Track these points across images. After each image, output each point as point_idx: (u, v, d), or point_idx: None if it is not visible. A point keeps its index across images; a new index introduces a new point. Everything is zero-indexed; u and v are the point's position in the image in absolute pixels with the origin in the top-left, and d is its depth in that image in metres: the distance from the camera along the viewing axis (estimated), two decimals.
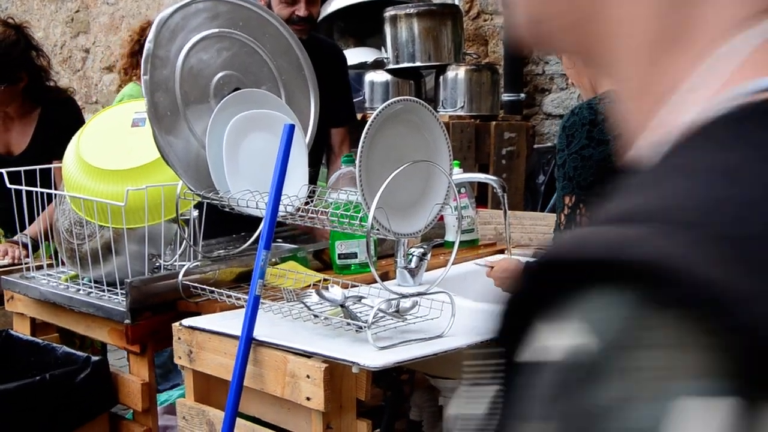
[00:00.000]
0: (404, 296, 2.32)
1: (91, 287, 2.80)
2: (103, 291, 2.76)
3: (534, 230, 3.57)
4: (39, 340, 2.91)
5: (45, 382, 2.52)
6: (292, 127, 2.33)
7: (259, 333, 2.31)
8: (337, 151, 3.67)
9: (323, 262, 3.09)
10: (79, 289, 2.84)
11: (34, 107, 3.85)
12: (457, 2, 5.40)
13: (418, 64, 4.46)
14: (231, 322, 2.46)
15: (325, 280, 2.73)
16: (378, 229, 2.22)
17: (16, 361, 2.85)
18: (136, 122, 2.81)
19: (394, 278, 2.97)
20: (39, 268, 3.04)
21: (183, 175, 2.51)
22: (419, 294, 2.35)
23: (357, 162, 2.19)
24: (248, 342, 2.28)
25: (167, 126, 2.49)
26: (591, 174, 2.34)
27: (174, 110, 2.51)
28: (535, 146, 4.98)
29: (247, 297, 2.52)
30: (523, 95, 5.34)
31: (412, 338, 2.30)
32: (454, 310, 2.37)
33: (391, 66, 4.49)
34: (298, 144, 2.64)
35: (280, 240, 3.33)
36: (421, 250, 2.91)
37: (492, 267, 2.78)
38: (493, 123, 4.41)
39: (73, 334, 3.15)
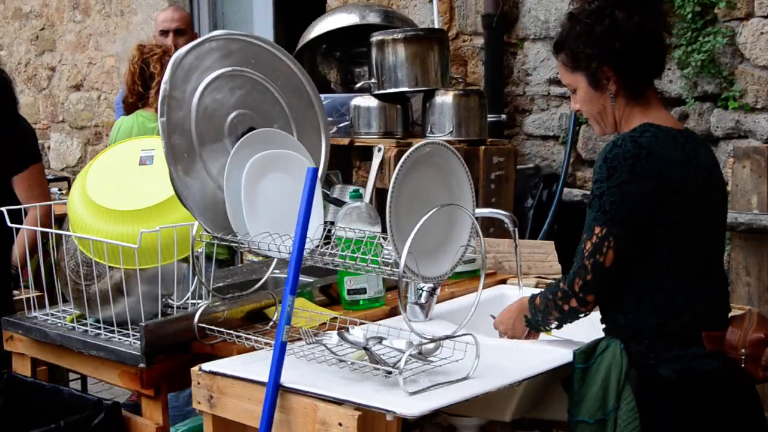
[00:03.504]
0: (433, 340, 2.30)
1: (99, 328, 2.75)
2: (113, 332, 2.72)
3: (532, 258, 3.57)
4: (44, 383, 2.86)
5: (60, 429, 2.47)
6: (315, 171, 2.31)
7: (283, 378, 2.28)
8: None
9: (330, 297, 3.07)
10: (86, 330, 2.78)
11: None
12: (436, 24, 5.41)
13: (405, 89, 4.45)
14: (253, 365, 2.43)
15: (333, 318, 2.71)
16: (408, 275, 2.21)
17: (21, 404, 2.79)
18: (143, 160, 2.77)
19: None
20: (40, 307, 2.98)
21: (200, 217, 2.48)
22: (447, 337, 2.33)
23: (387, 207, 2.17)
24: (276, 389, 2.25)
25: (185, 167, 2.45)
26: (627, 210, 2.33)
27: (190, 151, 2.47)
28: (518, 167, 4.98)
29: (264, 339, 2.51)
30: (504, 116, 5.34)
31: (440, 381, 2.29)
32: (478, 351, 2.36)
33: (377, 91, 4.47)
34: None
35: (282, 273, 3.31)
36: (431, 285, 2.90)
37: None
38: (482, 147, 4.41)
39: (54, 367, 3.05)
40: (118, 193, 2.70)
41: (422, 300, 2.90)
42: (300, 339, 2.53)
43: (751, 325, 2.46)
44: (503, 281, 3.38)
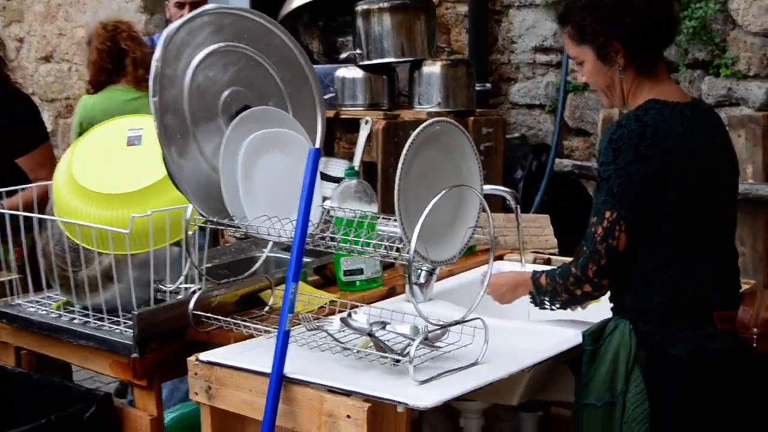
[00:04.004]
0: (443, 326, 2.21)
1: (87, 315, 2.65)
2: (102, 320, 2.61)
3: (527, 232, 3.49)
4: (31, 373, 2.74)
5: (52, 423, 2.37)
6: (317, 152, 2.21)
7: (286, 368, 2.19)
8: None
9: (325, 277, 2.98)
10: (73, 318, 2.68)
11: None
12: None
13: (391, 59, 4.33)
14: (252, 354, 2.34)
15: (332, 301, 2.62)
16: (417, 259, 2.12)
17: (10, 397, 2.68)
18: (132, 140, 2.65)
19: (402, 293, 2.88)
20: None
21: (195, 200, 2.37)
22: (457, 323, 2.25)
23: (396, 189, 2.08)
24: (279, 380, 2.16)
25: (178, 149, 2.34)
26: (634, 190, 2.26)
27: (184, 131, 2.36)
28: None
29: (263, 326, 2.41)
30: (488, 85, 5.25)
31: (449, 368, 2.21)
32: (487, 336, 2.28)
33: (363, 62, 4.35)
34: None
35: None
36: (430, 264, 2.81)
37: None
38: (471, 119, 4.31)
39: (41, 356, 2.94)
40: (106, 176, 2.58)
41: (422, 280, 2.81)
42: (299, 324, 2.44)
43: (762, 302, 2.40)
44: (500, 257, 3.30)
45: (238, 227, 2.35)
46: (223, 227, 2.39)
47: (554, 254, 3.50)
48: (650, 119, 2.28)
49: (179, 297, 2.63)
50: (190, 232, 2.54)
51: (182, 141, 2.36)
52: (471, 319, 2.27)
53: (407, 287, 2.81)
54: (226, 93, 2.47)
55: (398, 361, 2.17)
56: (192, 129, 2.38)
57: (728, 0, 4.29)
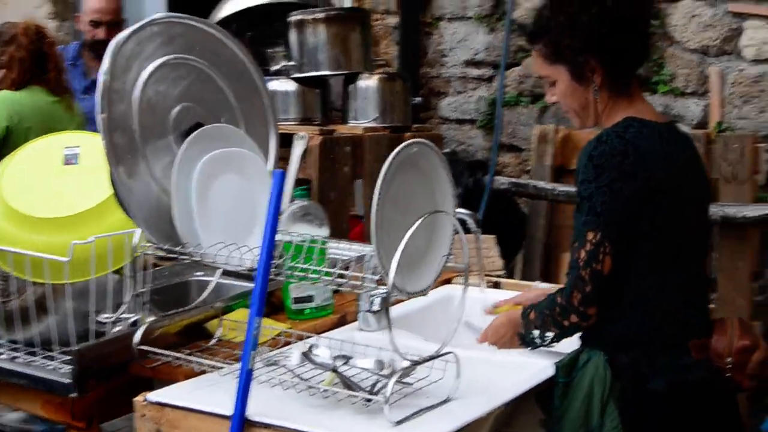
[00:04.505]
0: (417, 363, 2.07)
1: (16, 350, 2.42)
2: (33, 354, 2.39)
3: (473, 254, 3.37)
4: None
5: None
6: (283, 175, 2.05)
7: (248, 409, 2.02)
8: None
9: (270, 304, 2.80)
10: (1, 353, 2.45)
11: None
12: (346, 3, 5.16)
13: (326, 72, 4.17)
14: (205, 393, 2.16)
15: (285, 332, 2.45)
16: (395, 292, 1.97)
17: None
18: (69, 159, 2.45)
19: (353, 320, 2.73)
20: None
21: (145, 226, 2.18)
22: (432, 358, 2.10)
23: (374, 216, 1.93)
24: (241, 423, 1.99)
25: (127, 169, 2.15)
26: (619, 211, 2.16)
27: (133, 151, 2.17)
28: None
29: (216, 362, 2.24)
30: (419, 99, 5.13)
31: (422, 405, 2.07)
32: (459, 370, 2.15)
33: (296, 74, 4.18)
34: (265, 183, 2.36)
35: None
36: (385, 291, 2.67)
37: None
38: (407, 135, 4.18)
39: None
40: (42, 198, 2.37)
41: (376, 307, 2.66)
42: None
43: (734, 331, 2.34)
44: (447, 281, 3.17)
45: (193, 256, 2.17)
46: (175, 255, 2.20)
47: (501, 276, 3.40)
48: (631, 137, 2.19)
49: (117, 329, 2.43)
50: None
51: (132, 161, 2.17)
52: (445, 353, 2.13)
53: (387, 321, 2.66)
54: (176, 109, 2.30)
55: (369, 400, 2.02)
56: (141, 148, 2.19)
57: (667, 16, 4.26)
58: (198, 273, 3.10)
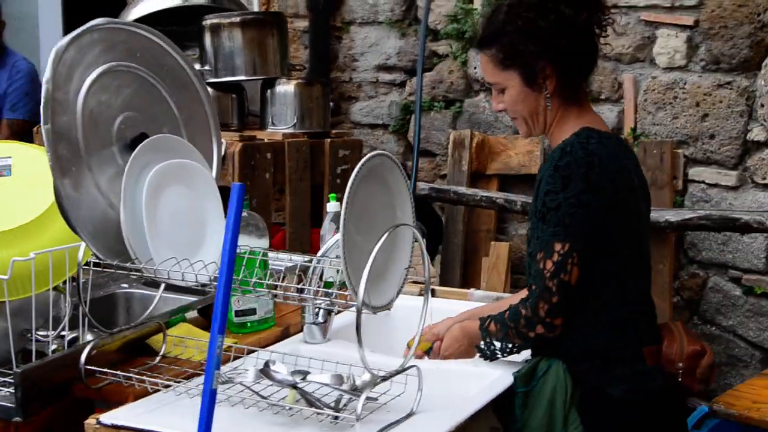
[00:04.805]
0: (386, 378, 2.03)
1: None
2: None
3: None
4: None
5: None
6: (242, 188, 1.98)
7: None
8: None
9: (208, 317, 2.72)
10: None
11: None
12: (255, 5, 5.08)
13: (242, 77, 4.10)
14: (160, 414, 2.07)
15: (229, 346, 2.39)
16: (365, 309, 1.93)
17: None
18: (1, 171, 2.32)
19: (296, 333, 2.67)
20: None
21: (92, 241, 2.08)
22: (397, 372, 2.07)
23: (341, 230, 1.88)
24: None
25: (72, 182, 2.05)
26: (587, 222, 2.16)
27: (78, 163, 2.07)
28: None
29: (171, 380, 2.16)
30: (331, 104, 5.08)
31: (386, 421, 2.03)
32: (421, 384, 2.12)
33: (212, 79, 4.09)
34: (212, 195, 2.29)
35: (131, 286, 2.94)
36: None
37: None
38: (328, 140, 4.14)
39: None
40: None
41: (320, 319, 2.61)
42: (197, 375, 2.22)
43: (682, 337, 2.38)
44: None
45: (144, 272, 2.08)
46: (125, 271, 2.11)
47: (434, 284, 3.39)
48: (594, 148, 2.20)
49: (53, 347, 2.32)
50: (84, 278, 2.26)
51: (76, 173, 2.07)
52: (408, 367, 2.10)
53: (306, 327, 2.61)
54: (119, 119, 2.20)
55: (336, 417, 1.98)
56: (86, 159, 2.09)
57: None
58: (123, 285, 2.99)
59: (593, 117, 2.37)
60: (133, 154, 2.11)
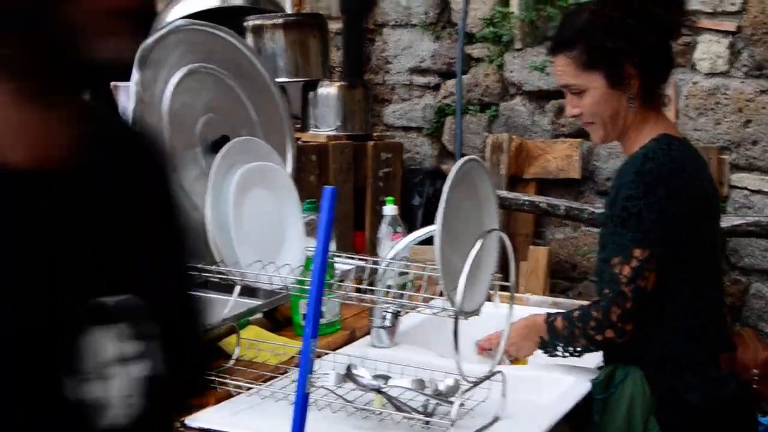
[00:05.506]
0: (475, 384, 2.02)
1: None
2: None
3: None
4: None
5: None
6: (334, 192, 1.97)
7: None
8: None
9: (275, 321, 2.71)
10: None
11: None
12: (288, 8, 5.06)
13: (285, 79, 4.08)
14: (245, 416, 2.07)
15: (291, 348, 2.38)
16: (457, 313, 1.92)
17: None
18: None
19: (364, 336, 2.66)
20: None
21: None
22: (486, 377, 2.06)
23: (438, 235, 1.87)
24: None
25: None
26: (668, 229, 2.16)
27: None
28: None
29: (254, 384, 2.15)
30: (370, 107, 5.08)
31: (475, 425, 2.03)
32: (505, 390, 2.11)
33: None
34: (291, 197, 2.29)
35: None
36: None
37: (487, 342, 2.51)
38: (371, 143, 4.13)
39: None
40: None
41: (388, 323, 2.60)
42: (274, 377, 2.21)
43: (757, 343, 2.38)
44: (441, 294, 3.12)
45: (230, 276, 2.07)
46: (210, 276, 2.10)
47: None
48: (676, 155, 2.20)
49: None
50: None
51: None
52: (494, 373, 2.09)
53: (374, 331, 2.60)
54: (202, 120, 2.20)
55: (428, 423, 1.97)
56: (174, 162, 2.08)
57: None
58: None
59: (668, 123, 2.37)
60: (219, 156, 2.10)
